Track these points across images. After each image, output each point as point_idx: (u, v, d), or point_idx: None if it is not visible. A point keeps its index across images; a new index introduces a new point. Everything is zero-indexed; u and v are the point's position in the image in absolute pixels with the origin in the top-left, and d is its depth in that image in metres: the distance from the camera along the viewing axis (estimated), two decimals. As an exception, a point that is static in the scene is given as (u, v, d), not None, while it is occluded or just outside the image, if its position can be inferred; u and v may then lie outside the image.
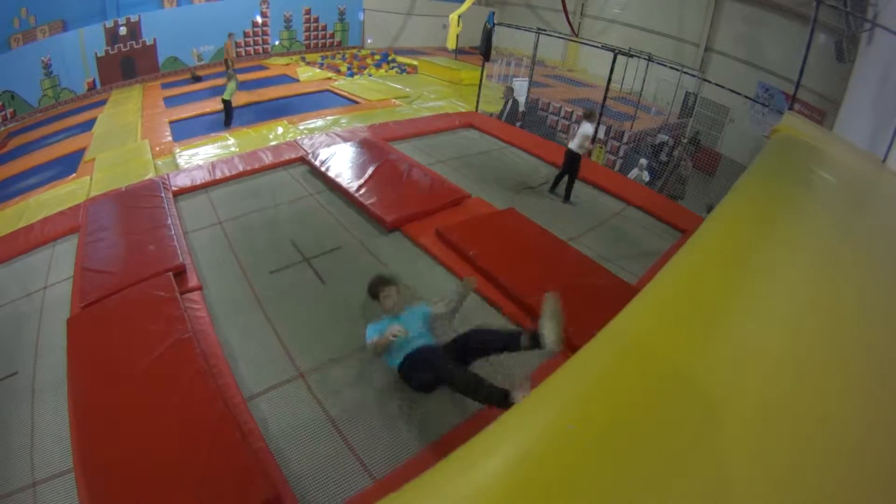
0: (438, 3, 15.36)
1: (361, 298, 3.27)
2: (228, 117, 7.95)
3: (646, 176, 6.82)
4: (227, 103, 7.85)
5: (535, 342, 2.14)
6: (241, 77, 11.08)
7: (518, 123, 8.17)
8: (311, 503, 2.03)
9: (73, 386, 2.47)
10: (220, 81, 10.85)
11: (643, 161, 6.91)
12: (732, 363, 0.98)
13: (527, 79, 8.76)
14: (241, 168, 5.18)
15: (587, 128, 5.16)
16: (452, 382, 2.14)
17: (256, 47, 13.54)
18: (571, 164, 5.11)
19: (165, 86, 11.15)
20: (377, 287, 2.70)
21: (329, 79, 10.90)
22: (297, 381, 2.62)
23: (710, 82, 8.31)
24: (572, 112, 8.54)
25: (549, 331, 2.08)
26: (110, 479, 1.97)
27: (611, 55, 6.62)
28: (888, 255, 1.72)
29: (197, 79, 11.13)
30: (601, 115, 7.07)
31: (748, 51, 10.04)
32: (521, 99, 8.55)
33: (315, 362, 2.74)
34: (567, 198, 5.12)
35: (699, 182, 7.50)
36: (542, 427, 0.79)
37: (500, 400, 2.00)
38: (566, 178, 5.14)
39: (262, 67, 12.18)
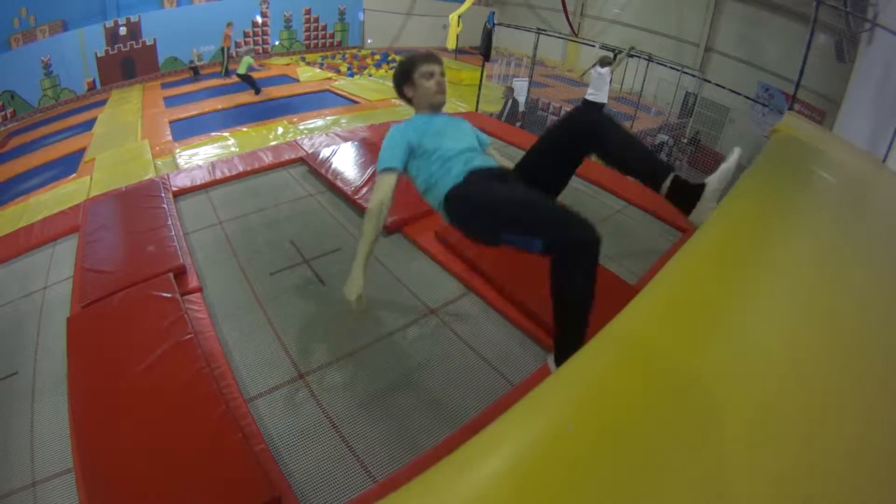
0: (438, 3, 15.36)
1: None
2: (254, 86, 8.32)
3: None
4: (245, 76, 8.16)
5: (684, 193, 1.46)
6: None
7: (518, 123, 8.17)
8: None
9: (73, 386, 2.47)
10: (219, 82, 10.85)
11: None
12: (732, 363, 0.98)
13: (527, 79, 8.76)
14: (241, 168, 5.18)
15: (605, 71, 4.89)
16: (540, 225, 1.34)
17: (256, 47, 13.54)
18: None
19: (165, 86, 11.15)
20: (414, 63, 1.84)
21: (329, 79, 10.91)
22: (298, 382, 2.62)
23: (710, 82, 8.31)
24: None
25: (716, 184, 1.46)
26: (109, 479, 1.97)
27: (611, 55, 6.62)
28: (888, 255, 1.72)
29: (196, 72, 11.15)
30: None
31: (748, 51, 10.04)
32: (521, 99, 8.55)
33: (316, 363, 2.74)
34: None
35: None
36: (541, 427, 0.79)
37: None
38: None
39: (262, 67, 12.17)
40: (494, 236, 1.57)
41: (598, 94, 4.77)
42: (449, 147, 1.69)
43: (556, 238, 1.31)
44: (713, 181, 1.48)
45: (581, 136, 1.53)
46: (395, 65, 12.88)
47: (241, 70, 8.15)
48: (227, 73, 8.20)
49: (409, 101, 1.97)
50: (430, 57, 1.86)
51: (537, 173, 1.62)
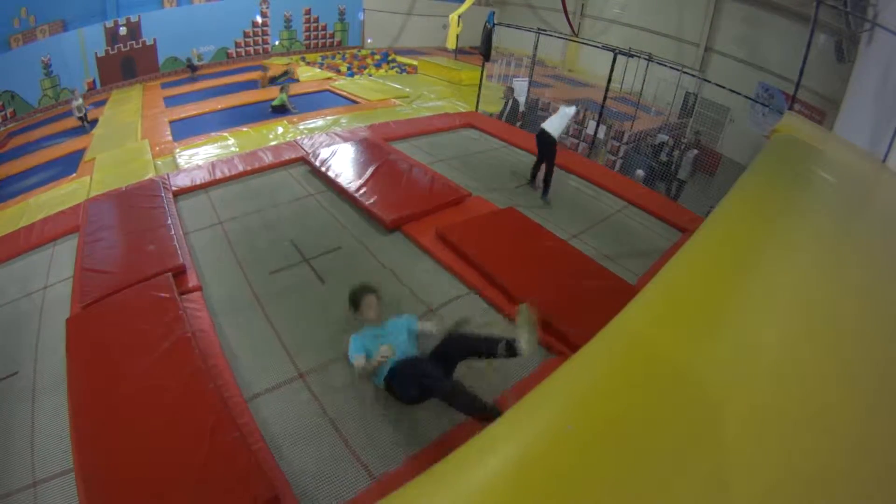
0: (438, 3, 15.36)
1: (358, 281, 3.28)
2: (288, 111, 8.59)
3: (641, 173, 6.82)
4: (280, 107, 8.50)
5: (511, 350, 2.18)
6: (240, 77, 11.12)
7: (518, 123, 8.16)
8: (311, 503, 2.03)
9: (73, 386, 2.47)
10: (219, 81, 10.86)
11: (640, 172, 6.92)
12: (732, 363, 0.98)
13: (527, 79, 8.76)
14: (241, 168, 5.18)
15: (571, 110, 4.99)
16: (439, 394, 2.15)
17: (256, 47, 13.54)
18: (547, 148, 4.81)
19: (165, 86, 11.15)
20: (359, 296, 2.66)
21: (329, 79, 10.91)
22: (297, 381, 2.62)
23: (710, 82, 8.31)
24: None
25: (524, 340, 2.14)
26: (109, 479, 1.97)
27: (611, 55, 6.62)
28: (888, 255, 1.72)
29: (193, 69, 11.16)
30: (601, 114, 7.07)
31: (748, 51, 10.04)
32: (522, 99, 8.55)
33: (315, 362, 2.74)
34: (546, 191, 4.87)
35: (699, 182, 7.50)
36: (541, 427, 0.79)
37: (483, 411, 2.03)
38: (543, 166, 4.94)
39: (262, 67, 12.17)
40: (411, 396, 2.30)
41: (556, 127, 4.81)
42: (379, 347, 2.38)
43: (436, 390, 2.18)
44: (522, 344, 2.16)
45: (444, 360, 2.39)
46: (394, 65, 12.79)
47: (277, 103, 8.44)
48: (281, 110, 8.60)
49: (360, 316, 2.69)
50: (370, 290, 2.69)
51: (438, 360, 2.40)
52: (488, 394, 2.32)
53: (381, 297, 2.72)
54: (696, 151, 7.37)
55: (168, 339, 2.64)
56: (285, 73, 11.07)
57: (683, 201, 5.57)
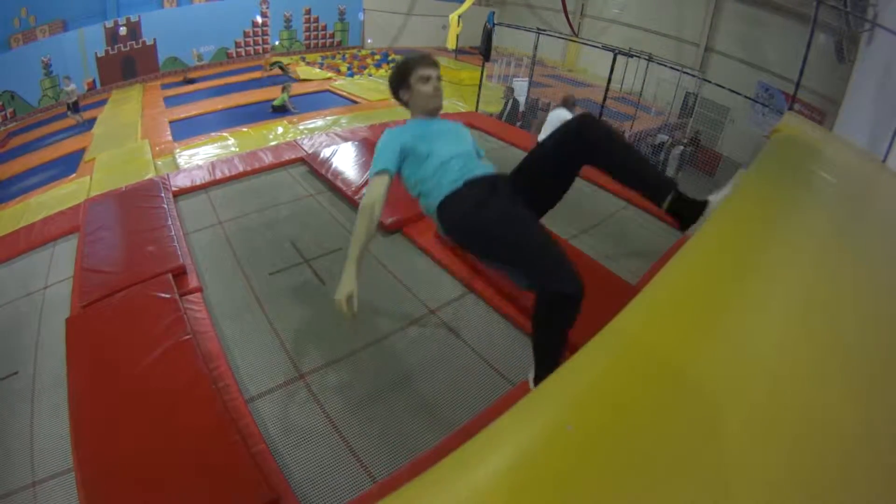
0: (438, 3, 15.37)
1: (360, 300, 3.27)
2: (288, 112, 8.60)
3: None
4: (280, 108, 8.49)
5: (686, 208, 1.49)
6: (240, 77, 11.13)
7: (518, 123, 8.17)
8: None
9: (73, 386, 2.47)
10: (219, 82, 10.86)
11: None
12: (733, 363, 0.98)
13: (527, 79, 8.76)
14: (241, 168, 5.18)
15: (564, 114, 4.90)
16: (520, 253, 1.35)
17: (256, 47, 13.55)
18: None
19: (165, 86, 11.16)
20: (410, 66, 1.75)
21: (329, 79, 10.91)
22: (298, 382, 2.62)
23: (710, 82, 8.31)
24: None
25: (716, 203, 1.49)
26: (109, 479, 1.97)
27: (611, 55, 6.62)
28: (888, 255, 1.72)
29: (189, 81, 11.19)
30: (601, 114, 7.06)
31: (748, 51, 10.05)
32: (522, 99, 8.55)
33: (316, 364, 2.74)
34: None
35: (691, 179, 7.50)
36: (541, 427, 0.79)
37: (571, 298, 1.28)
38: None
39: (261, 67, 12.17)
40: (485, 259, 1.59)
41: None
42: (442, 152, 1.66)
43: (542, 285, 1.33)
44: (714, 200, 1.51)
45: (579, 146, 1.53)
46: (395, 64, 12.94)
47: (278, 103, 8.43)
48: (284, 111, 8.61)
49: (404, 104, 1.87)
50: (427, 60, 1.78)
51: (534, 182, 1.63)
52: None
53: (441, 77, 1.82)
54: (681, 148, 7.37)
55: (168, 339, 2.64)
56: (278, 63, 11.04)
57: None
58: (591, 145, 1.50)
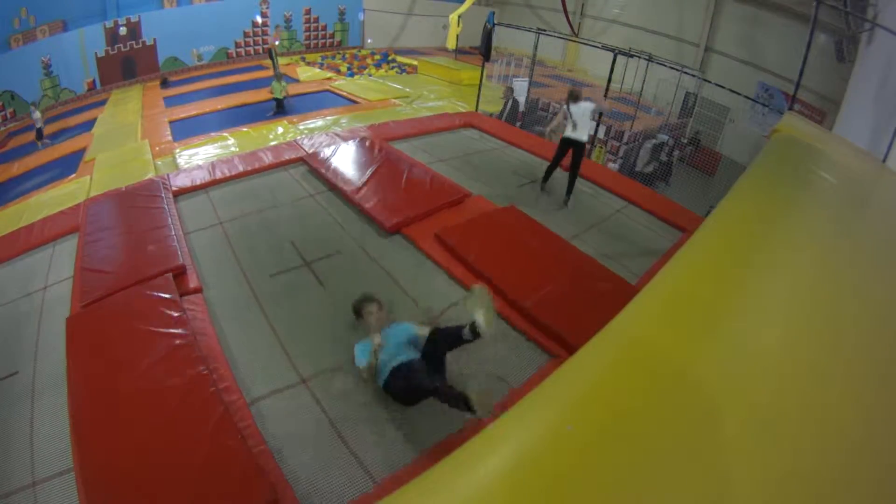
0: (438, 3, 15.37)
1: (358, 287, 3.27)
2: (280, 108, 8.51)
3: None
4: (279, 101, 8.44)
5: (475, 331, 2.27)
6: (240, 77, 11.12)
7: (518, 123, 8.17)
8: (312, 504, 2.03)
9: (73, 386, 2.47)
10: (219, 81, 10.86)
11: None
12: (732, 363, 0.98)
13: (527, 79, 8.76)
14: (241, 168, 5.18)
15: (589, 105, 4.80)
16: (426, 393, 2.30)
17: (256, 47, 13.54)
18: (576, 152, 4.74)
19: (170, 84, 11.16)
20: (360, 305, 2.84)
21: (329, 79, 10.90)
22: (298, 383, 2.63)
23: (710, 82, 8.31)
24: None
25: (480, 319, 2.24)
26: (109, 479, 1.97)
27: (611, 55, 6.62)
28: (888, 255, 1.72)
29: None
30: (601, 115, 7.06)
31: (748, 51, 10.04)
32: (521, 99, 8.55)
33: (316, 365, 2.74)
34: (569, 192, 4.83)
35: (699, 182, 7.50)
36: (541, 427, 0.79)
37: (466, 403, 2.08)
38: (563, 171, 4.93)
39: (261, 67, 12.17)
40: (404, 398, 2.43)
41: (584, 130, 4.66)
42: (384, 356, 2.51)
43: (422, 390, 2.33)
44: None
45: (435, 357, 2.50)
46: (394, 65, 12.72)
47: (279, 95, 8.40)
48: (281, 78, 8.46)
49: (363, 324, 2.85)
50: (371, 299, 2.85)
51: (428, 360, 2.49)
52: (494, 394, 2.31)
53: (382, 304, 2.86)
54: (653, 141, 7.34)
55: (169, 339, 2.64)
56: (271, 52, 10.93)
57: (680, 200, 5.55)
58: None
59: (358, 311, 2.87)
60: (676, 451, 0.76)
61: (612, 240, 4.37)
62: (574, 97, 4.79)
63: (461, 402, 2.08)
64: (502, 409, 0.81)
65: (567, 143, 4.81)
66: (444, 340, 2.44)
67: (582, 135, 4.76)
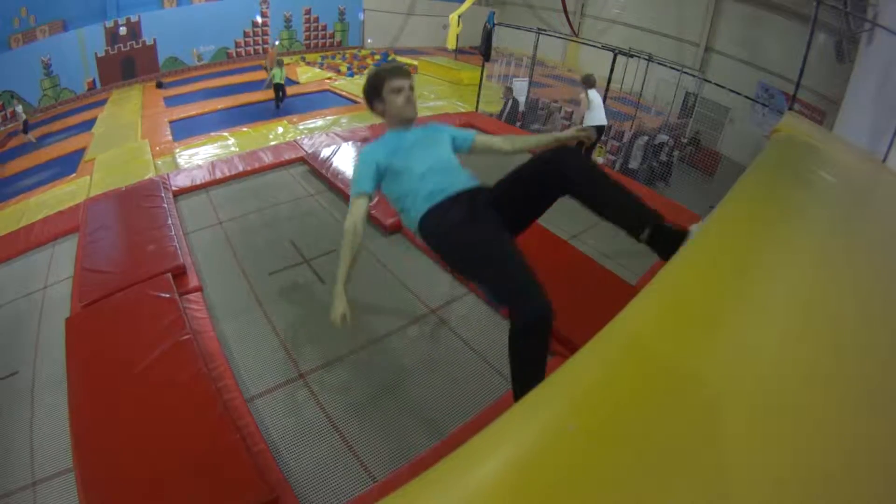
0: (438, 3, 15.37)
1: (361, 300, 3.26)
2: (279, 99, 8.48)
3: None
4: (278, 86, 8.46)
5: (665, 240, 1.46)
6: (240, 77, 11.12)
7: (518, 123, 8.17)
8: None
9: (73, 386, 2.47)
10: (219, 82, 10.86)
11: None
12: (733, 363, 0.98)
13: (527, 79, 8.76)
14: (241, 168, 5.18)
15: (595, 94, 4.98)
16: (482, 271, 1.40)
17: (256, 47, 13.55)
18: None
19: (165, 85, 11.15)
20: (382, 77, 1.77)
21: (329, 79, 10.91)
22: (298, 382, 2.62)
23: (710, 82, 8.31)
24: (572, 112, 8.54)
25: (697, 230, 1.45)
26: (109, 479, 1.97)
27: (611, 55, 6.62)
28: (888, 255, 1.72)
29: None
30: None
31: (748, 51, 10.04)
32: (521, 99, 8.55)
33: (316, 363, 2.74)
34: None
35: (699, 182, 7.50)
36: (541, 427, 0.79)
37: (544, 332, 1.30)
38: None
39: (261, 67, 12.17)
40: (463, 274, 1.58)
41: (596, 119, 4.85)
42: (418, 167, 1.65)
43: (512, 308, 1.32)
44: (695, 228, 1.49)
45: (556, 179, 1.55)
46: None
47: (278, 80, 8.44)
48: (281, 64, 8.50)
49: (380, 115, 1.90)
50: (399, 71, 1.79)
51: (511, 204, 1.65)
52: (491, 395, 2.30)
53: (414, 86, 1.84)
54: (645, 137, 7.34)
55: (168, 339, 2.64)
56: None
57: (680, 200, 5.55)
58: (568, 179, 1.53)
59: (376, 88, 1.80)
60: (677, 451, 0.76)
61: (612, 240, 4.36)
62: (592, 83, 4.86)
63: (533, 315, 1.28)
64: (503, 408, 0.81)
65: (600, 130, 4.89)
66: (585, 185, 1.53)
67: (597, 120, 4.85)
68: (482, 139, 1.92)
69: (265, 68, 10.60)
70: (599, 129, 4.88)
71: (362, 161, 1.70)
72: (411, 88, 1.80)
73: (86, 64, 10.68)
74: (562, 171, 1.51)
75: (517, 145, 1.93)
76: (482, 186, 1.68)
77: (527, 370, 1.31)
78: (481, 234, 1.48)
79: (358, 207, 1.65)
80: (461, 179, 1.68)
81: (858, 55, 6.85)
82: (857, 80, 6.59)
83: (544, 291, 1.29)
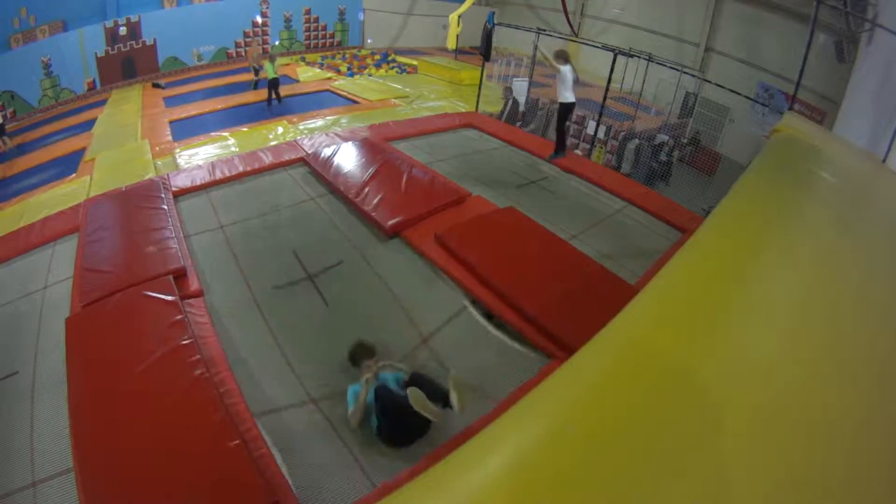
0: (438, 3, 15.36)
1: (359, 305, 3.27)
2: (274, 96, 8.66)
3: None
4: (273, 81, 8.41)
5: (447, 403, 2.33)
6: (240, 77, 11.11)
7: (518, 123, 8.16)
8: (312, 505, 2.03)
9: (73, 386, 2.47)
10: (219, 82, 10.85)
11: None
12: (732, 363, 0.98)
13: (527, 79, 8.75)
14: (241, 168, 5.18)
15: (568, 70, 5.21)
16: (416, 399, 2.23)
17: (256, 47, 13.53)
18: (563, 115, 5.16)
19: (165, 85, 11.15)
20: (359, 357, 2.69)
21: (329, 79, 10.90)
22: (299, 387, 2.62)
23: (710, 82, 8.31)
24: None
25: (454, 400, 2.29)
26: (109, 479, 1.97)
27: (611, 55, 6.62)
28: (887, 254, 1.72)
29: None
30: (601, 115, 7.06)
31: (748, 51, 10.03)
32: (521, 99, 8.54)
33: (316, 368, 2.74)
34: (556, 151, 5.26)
35: (699, 182, 7.49)
36: (541, 428, 0.79)
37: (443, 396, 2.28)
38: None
39: (261, 68, 12.17)
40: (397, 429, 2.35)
41: (562, 95, 5.13)
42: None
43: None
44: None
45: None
46: (394, 65, 12.67)
47: (272, 75, 8.43)
48: (274, 59, 8.45)
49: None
50: (370, 352, 2.68)
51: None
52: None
53: (377, 355, 2.72)
54: (637, 141, 7.34)
55: (170, 341, 2.64)
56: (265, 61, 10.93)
57: (680, 200, 5.55)
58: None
59: (355, 361, 2.71)
60: (676, 452, 0.76)
61: (612, 240, 4.37)
62: (566, 58, 5.17)
63: (439, 395, 2.19)
64: (502, 410, 0.81)
65: (569, 108, 5.06)
66: (419, 384, 2.39)
67: (572, 96, 5.11)
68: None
69: (252, 68, 10.55)
70: (568, 107, 5.12)
71: (351, 393, 2.48)
72: (375, 364, 2.62)
73: (86, 64, 10.68)
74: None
75: None
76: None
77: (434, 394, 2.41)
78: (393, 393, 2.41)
79: (352, 412, 2.41)
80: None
81: (858, 55, 6.84)
82: (857, 80, 6.58)
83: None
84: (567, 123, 5.31)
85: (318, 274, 3.65)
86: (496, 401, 2.53)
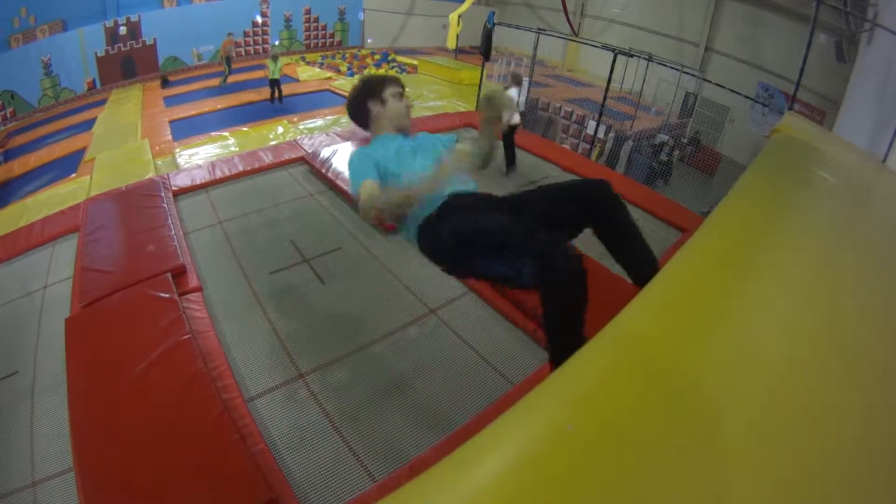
0: (438, 3, 15.36)
1: (362, 299, 3.26)
2: (275, 95, 8.77)
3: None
4: (274, 80, 8.42)
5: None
6: (240, 77, 11.12)
7: (518, 123, 8.15)
8: None
9: (73, 386, 2.47)
10: (216, 82, 10.84)
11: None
12: (733, 363, 0.98)
13: (526, 79, 8.75)
14: (241, 168, 5.18)
15: (513, 93, 5.32)
16: (526, 257, 1.21)
17: (256, 47, 13.54)
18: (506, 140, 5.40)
19: (165, 85, 11.15)
20: (384, 82, 1.72)
21: (329, 78, 10.90)
22: (298, 381, 2.62)
23: (710, 82, 8.31)
24: (572, 112, 8.54)
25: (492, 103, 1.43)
26: (108, 479, 1.97)
27: (611, 55, 6.62)
28: (888, 254, 1.72)
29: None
30: (601, 114, 7.06)
31: (748, 51, 10.03)
32: (521, 99, 8.55)
33: (316, 363, 2.74)
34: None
35: (699, 182, 7.49)
36: (541, 427, 0.79)
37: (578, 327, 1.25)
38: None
39: (262, 67, 12.16)
40: (477, 267, 1.43)
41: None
42: (418, 170, 1.49)
43: (539, 269, 1.20)
44: None
45: (594, 213, 1.58)
46: (394, 65, 12.68)
47: (275, 76, 8.48)
48: (277, 58, 8.52)
49: (367, 120, 1.74)
50: (398, 80, 1.76)
51: (527, 216, 1.50)
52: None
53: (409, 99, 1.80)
54: (631, 143, 7.35)
55: (168, 339, 2.64)
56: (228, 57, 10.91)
57: (680, 199, 5.55)
58: (600, 216, 1.60)
59: (372, 92, 1.71)
60: (677, 451, 0.76)
61: (612, 240, 4.36)
62: (519, 81, 5.32)
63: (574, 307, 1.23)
64: (503, 408, 0.81)
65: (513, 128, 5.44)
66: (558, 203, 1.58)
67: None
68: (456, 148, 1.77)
69: (223, 59, 10.56)
70: (514, 127, 5.49)
71: (359, 159, 1.51)
72: (409, 100, 1.78)
73: (86, 64, 10.68)
74: (599, 205, 1.59)
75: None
76: (489, 195, 1.63)
77: (565, 328, 1.25)
78: (489, 219, 1.38)
79: (369, 187, 1.40)
80: (464, 184, 1.63)
81: (858, 55, 6.84)
82: (857, 80, 6.58)
83: (566, 248, 1.19)
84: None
85: (315, 258, 3.68)
86: (512, 383, 2.59)
